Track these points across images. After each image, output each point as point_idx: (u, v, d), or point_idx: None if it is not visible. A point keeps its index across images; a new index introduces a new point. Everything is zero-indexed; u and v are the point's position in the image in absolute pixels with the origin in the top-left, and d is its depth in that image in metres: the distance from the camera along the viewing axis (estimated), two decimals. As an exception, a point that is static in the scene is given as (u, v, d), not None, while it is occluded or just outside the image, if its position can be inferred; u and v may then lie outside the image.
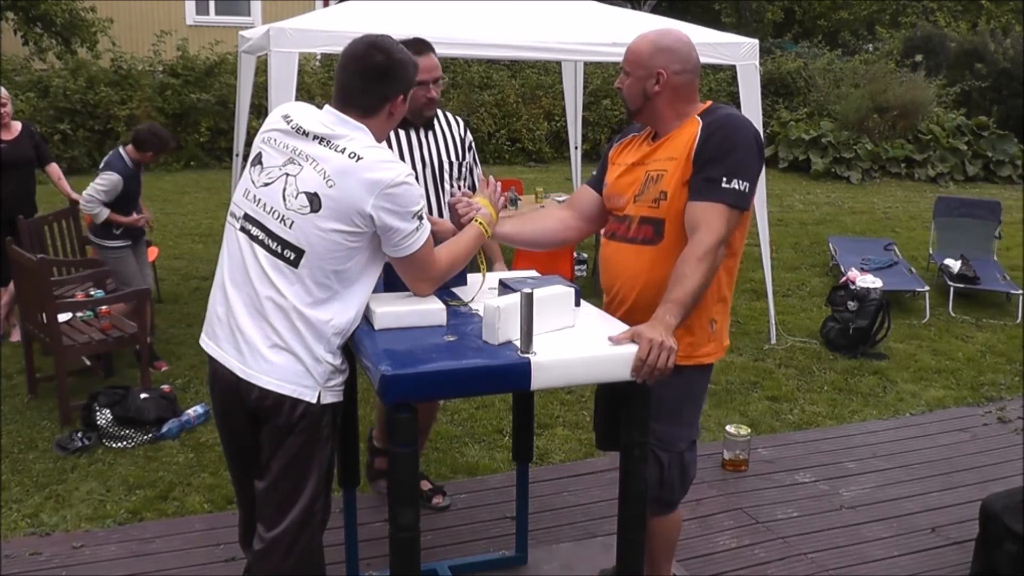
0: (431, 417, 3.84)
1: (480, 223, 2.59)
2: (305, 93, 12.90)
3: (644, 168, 2.60)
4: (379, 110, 2.30)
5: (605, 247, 2.74)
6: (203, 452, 4.28)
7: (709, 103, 2.60)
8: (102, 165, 5.35)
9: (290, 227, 2.21)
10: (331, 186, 2.18)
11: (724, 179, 2.40)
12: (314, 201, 2.19)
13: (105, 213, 5.23)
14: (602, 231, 2.81)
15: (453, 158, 3.41)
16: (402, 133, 3.31)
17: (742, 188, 2.41)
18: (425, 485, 3.82)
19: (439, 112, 3.43)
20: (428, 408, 3.68)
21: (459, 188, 3.31)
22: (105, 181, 5.20)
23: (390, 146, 3.24)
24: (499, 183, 2.79)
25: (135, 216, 5.38)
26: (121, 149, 5.38)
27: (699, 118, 2.53)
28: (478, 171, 3.56)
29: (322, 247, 2.20)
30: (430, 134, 3.37)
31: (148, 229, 5.65)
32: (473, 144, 3.55)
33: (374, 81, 2.27)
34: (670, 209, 2.49)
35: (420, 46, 3.14)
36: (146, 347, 4.96)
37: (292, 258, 2.21)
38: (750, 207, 2.50)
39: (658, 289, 2.40)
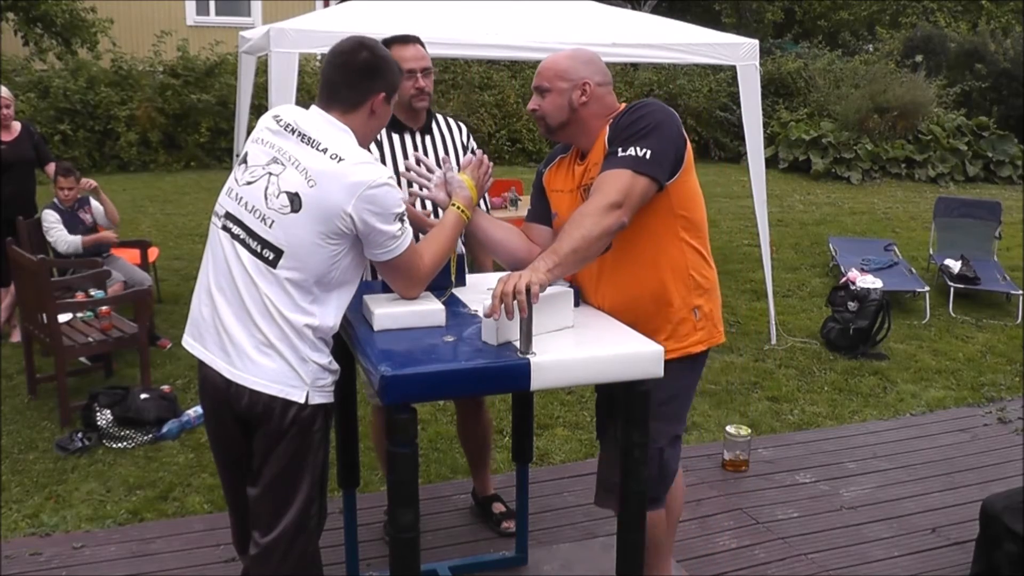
0: (485, 437, 3.66)
1: (458, 207, 2.53)
2: (305, 93, 12.89)
3: (581, 189, 2.57)
4: (361, 105, 2.28)
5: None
6: (203, 452, 4.27)
7: (623, 104, 2.58)
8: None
9: (270, 227, 2.20)
10: (312, 186, 2.17)
11: (620, 150, 2.39)
12: (295, 201, 2.18)
13: (78, 240, 5.63)
14: None
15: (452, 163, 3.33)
16: (395, 137, 3.21)
17: (641, 154, 2.37)
18: (498, 508, 3.68)
19: (440, 117, 3.35)
20: (479, 429, 3.60)
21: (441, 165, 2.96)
22: (45, 219, 5.64)
23: (381, 150, 3.18)
24: (491, 165, 2.68)
25: (97, 234, 5.79)
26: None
27: (611, 118, 2.53)
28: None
29: (301, 248, 2.18)
30: (427, 138, 3.27)
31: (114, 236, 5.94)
32: (476, 150, 3.39)
33: (357, 76, 2.28)
34: None
35: (406, 38, 3.11)
36: (147, 348, 4.96)
37: (271, 258, 2.20)
38: (673, 179, 2.45)
39: (619, 292, 2.51)
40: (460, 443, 3.79)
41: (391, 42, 3.15)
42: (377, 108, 2.31)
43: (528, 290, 2.11)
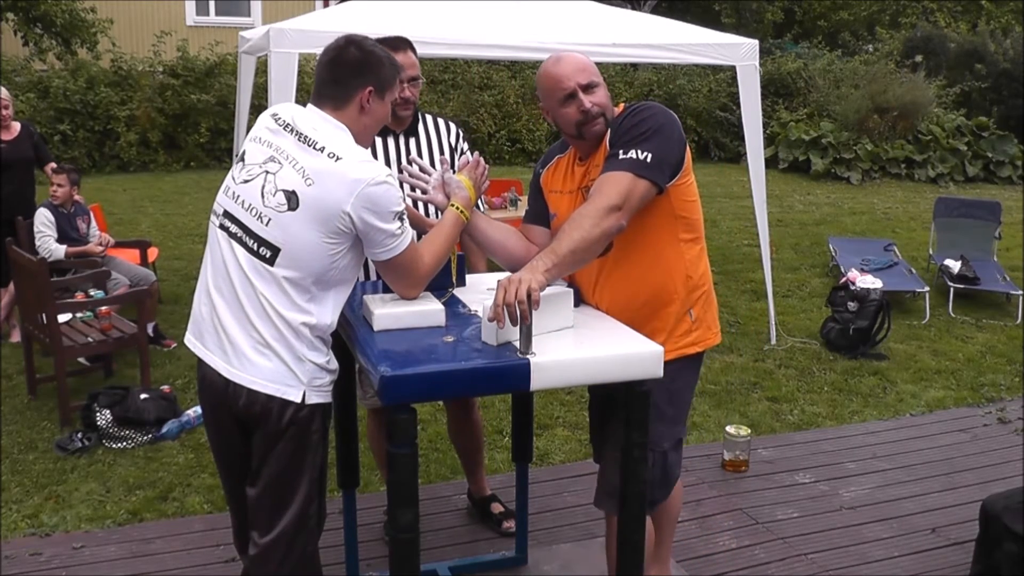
0: (477, 438, 3.67)
1: (457, 207, 2.53)
2: (305, 94, 12.80)
3: (582, 190, 2.57)
4: (350, 100, 2.27)
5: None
6: (203, 452, 4.27)
7: (622, 105, 2.59)
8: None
9: (267, 224, 2.19)
10: (310, 184, 2.16)
11: (621, 152, 2.39)
12: (292, 199, 2.17)
13: (60, 250, 5.55)
14: None
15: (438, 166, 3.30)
16: (379, 140, 3.16)
17: (642, 157, 2.37)
18: (496, 508, 3.68)
19: (428, 117, 3.32)
20: (470, 430, 3.59)
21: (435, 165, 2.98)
22: (38, 219, 5.57)
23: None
24: (487, 167, 2.68)
25: (89, 245, 5.74)
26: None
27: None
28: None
29: (299, 247, 2.17)
30: (412, 140, 3.23)
31: (101, 249, 5.85)
32: (467, 151, 3.35)
33: (343, 71, 2.27)
34: None
35: (398, 43, 3.02)
36: (146, 348, 4.96)
37: (268, 256, 2.19)
38: (673, 183, 2.45)
39: (618, 293, 2.51)
40: (452, 445, 3.79)
41: (381, 44, 3.14)
42: (367, 104, 2.29)
43: (529, 296, 2.11)
